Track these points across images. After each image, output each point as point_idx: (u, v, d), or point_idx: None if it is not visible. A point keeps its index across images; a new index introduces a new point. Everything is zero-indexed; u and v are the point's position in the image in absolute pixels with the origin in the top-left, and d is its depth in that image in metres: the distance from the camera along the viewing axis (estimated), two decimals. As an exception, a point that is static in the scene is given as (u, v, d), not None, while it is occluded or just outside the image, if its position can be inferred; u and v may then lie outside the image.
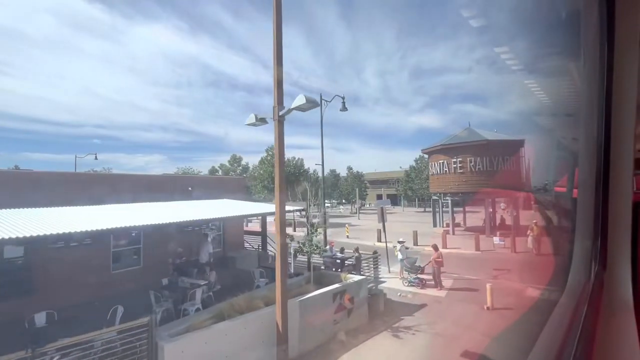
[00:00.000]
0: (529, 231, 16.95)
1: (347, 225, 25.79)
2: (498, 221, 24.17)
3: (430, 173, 26.70)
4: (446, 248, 19.41)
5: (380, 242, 22.16)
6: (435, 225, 27.17)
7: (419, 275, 12.05)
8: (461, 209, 27.75)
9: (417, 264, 11.90)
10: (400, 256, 13.04)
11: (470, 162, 23.12)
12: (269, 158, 32.91)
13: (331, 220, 37.84)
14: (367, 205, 62.83)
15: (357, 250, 13.03)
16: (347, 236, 24.33)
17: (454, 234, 24.37)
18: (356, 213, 47.28)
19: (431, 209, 28.86)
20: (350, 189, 49.19)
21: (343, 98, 14.37)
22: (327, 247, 13.97)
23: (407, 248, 13.37)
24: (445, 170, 24.74)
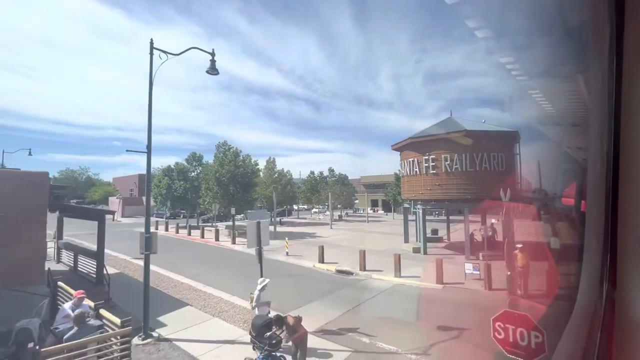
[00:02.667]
0: (517, 256, 11.62)
1: (286, 239, 20.65)
2: (479, 239, 18.52)
3: (401, 174, 21.22)
4: (399, 276, 13.99)
5: (324, 263, 16.92)
6: (407, 241, 21.61)
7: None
8: (444, 218, 22.10)
9: (271, 325, 6.46)
10: (254, 306, 7.81)
11: (445, 159, 17.63)
12: (220, 155, 28.09)
13: (294, 230, 32.71)
14: (362, 211, 57.28)
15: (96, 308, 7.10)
16: (287, 253, 19.12)
17: (425, 253, 18.83)
18: (339, 220, 41.89)
19: (412, 220, 23.35)
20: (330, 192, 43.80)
21: (212, 54, 9.31)
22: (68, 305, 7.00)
23: (262, 289, 7.77)
24: (416, 171, 19.28)
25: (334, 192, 42.98)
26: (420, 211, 19.31)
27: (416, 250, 19.25)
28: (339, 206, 54.34)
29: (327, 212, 49.84)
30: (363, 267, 15.38)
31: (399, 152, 21.46)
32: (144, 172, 8.96)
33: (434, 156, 18.22)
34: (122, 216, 48.73)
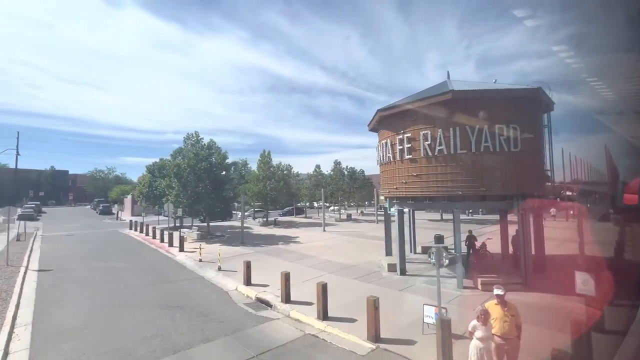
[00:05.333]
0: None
1: (219, 250, 16.42)
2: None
3: (378, 163, 15.67)
4: (323, 317, 9.01)
5: (250, 285, 12.42)
6: (390, 253, 16.04)
7: None
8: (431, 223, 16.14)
9: None
10: None
11: (425, 138, 11.90)
12: (189, 146, 24.56)
13: (278, 232, 27.90)
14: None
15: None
16: (219, 268, 14.79)
17: (402, 272, 13.29)
18: (346, 219, 36.57)
19: (400, 224, 17.67)
20: (333, 189, 38.49)
21: None
22: None
23: None
24: (389, 157, 13.71)
25: (340, 189, 37.76)
26: (396, 212, 13.75)
27: (392, 267, 13.76)
28: (352, 204, 48.85)
29: (342, 210, 44.63)
30: (285, 298, 10.49)
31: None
32: None
33: (409, 134, 12.57)
34: (133, 214, 48.32)
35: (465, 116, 11.26)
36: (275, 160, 33.40)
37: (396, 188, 13.33)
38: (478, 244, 14.99)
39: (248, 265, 12.65)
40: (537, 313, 8.97)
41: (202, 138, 25.26)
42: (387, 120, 13.84)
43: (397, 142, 13.02)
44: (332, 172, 40.59)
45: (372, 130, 16.17)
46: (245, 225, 35.13)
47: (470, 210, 39.46)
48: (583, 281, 5.89)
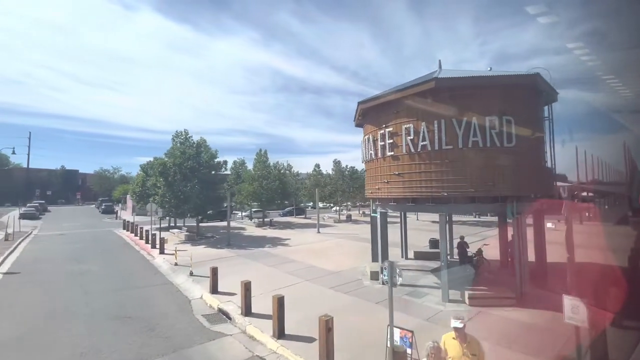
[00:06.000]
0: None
1: (191, 255, 15.49)
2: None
3: (362, 160, 14.40)
4: (279, 336, 7.91)
5: (217, 293, 11.49)
6: (376, 259, 14.76)
7: None
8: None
9: None
10: None
11: (407, 132, 10.64)
12: (177, 144, 23.79)
13: (269, 234, 26.60)
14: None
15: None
16: (191, 273, 13.83)
17: (384, 282, 12.03)
18: (346, 221, 35.25)
19: (401, 227, 16.38)
20: (332, 189, 37.20)
21: None
22: None
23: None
24: (371, 154, 12.47)
25: (339, 189, 36.47)
26: (378, 216, 12.52)
27: (375, 275, 12.53)
28: (356, 204, 47.52)
29: (344, 211, 43.34)
30: (245, 311, 9.43)
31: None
32: None
33: (391, 129, 11.31)
34: (133, 213, 48.17)
35: (451, 107, 9.95)
36: (284, 159, 32.44)
37: (378, 188, 12.10)
38: (474, 249, 13.58)
39: (214, 272, 11.64)
40: (522, 336, 7.65)
41: (192, 136, 24.47)
42: (370, 114, 12.62)
43: (379, 137, 11.78)
44: (332, 172, 39.31)
45: (358, 125, 14.97)
46: (240, 226, 34.33)
47: (478, 212, 37.64)
48: (572, 308, 4.60)
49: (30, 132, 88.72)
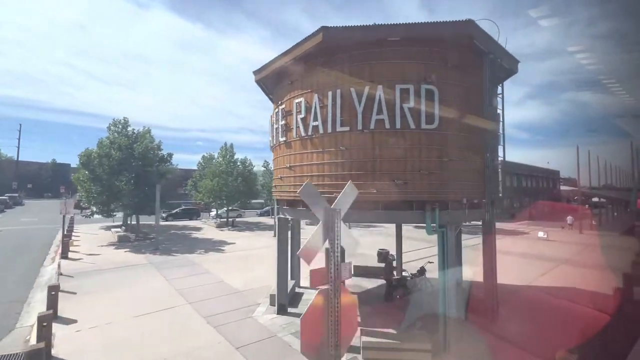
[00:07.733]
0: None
1: (59, 263, 12.76)
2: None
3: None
4: None
5: (57, 317, 8.70)
6: (293, 277, 11.80)
7: None
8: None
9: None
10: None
11: (298, 109, 7.72)
12: (114, 134, 21.15)
13: (218, 237, 23.19)
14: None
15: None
16: (61, 273, 11.09)
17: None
18: (307, 224, 32.16)
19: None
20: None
21: None
22: None
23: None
24: (270, 140, 9.55)
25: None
26: (276, 221, 9.59)
27: (273, 300, 9.60)
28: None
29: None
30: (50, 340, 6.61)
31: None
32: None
33: (284, 106, 8.38)
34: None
35: (349, 72, 6.98)
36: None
37: (274, 186, 9.18)
38: (417, 267, 10.59)
39: (54, 293, 8.87)
40: None
41: (131, 126, 21.82)
42: (269, 87, 9.70)
43: (275, 117, 8.87)
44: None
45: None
46: (198, 226, 31.57)
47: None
48: None
49: (20, 125, 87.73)
